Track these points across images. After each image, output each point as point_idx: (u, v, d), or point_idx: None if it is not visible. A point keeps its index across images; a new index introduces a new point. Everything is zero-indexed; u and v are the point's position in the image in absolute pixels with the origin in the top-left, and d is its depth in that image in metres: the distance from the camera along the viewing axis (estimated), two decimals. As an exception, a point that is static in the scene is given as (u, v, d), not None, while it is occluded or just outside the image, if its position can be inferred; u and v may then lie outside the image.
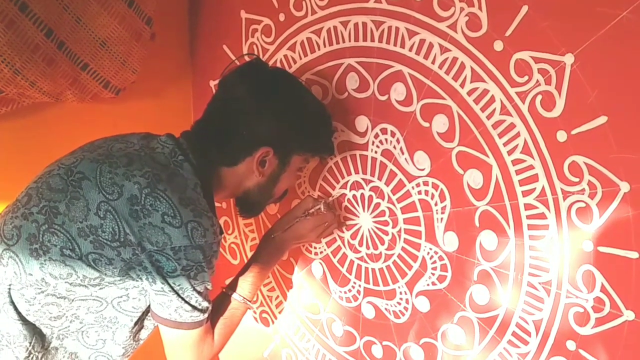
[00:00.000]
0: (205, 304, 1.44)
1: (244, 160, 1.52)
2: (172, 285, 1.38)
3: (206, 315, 1.46)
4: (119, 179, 1.37)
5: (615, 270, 1.24)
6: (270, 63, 1.83)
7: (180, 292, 1.39)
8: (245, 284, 1.65)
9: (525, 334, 1.39)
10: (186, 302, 1.40)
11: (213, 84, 2.07)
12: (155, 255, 1.35)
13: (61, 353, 1.48)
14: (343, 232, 1.75)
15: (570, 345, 1.32)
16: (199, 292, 1.41)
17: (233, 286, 1.65)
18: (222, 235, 1.51)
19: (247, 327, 2.10)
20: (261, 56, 1.86)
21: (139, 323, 1.52)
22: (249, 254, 2.01)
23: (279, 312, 2.01)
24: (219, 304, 1.60)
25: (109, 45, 1.77)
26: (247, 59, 1.68)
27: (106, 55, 1.78)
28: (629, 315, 1.22)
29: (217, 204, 2.05)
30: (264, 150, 1.51)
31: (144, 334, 1.56)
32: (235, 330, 1.62)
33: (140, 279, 1.40)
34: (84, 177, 1.39)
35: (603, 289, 1.26)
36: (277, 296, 2.00)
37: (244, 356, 2.17)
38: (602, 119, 1.20)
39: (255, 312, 2.09)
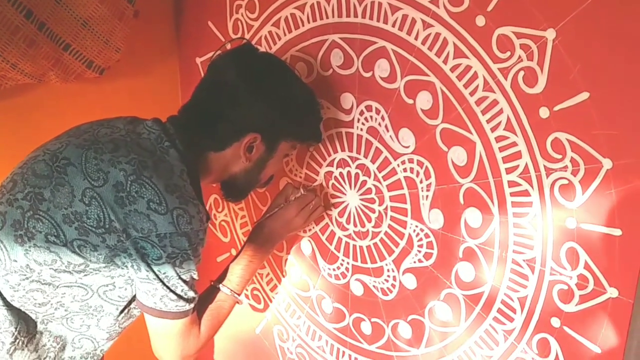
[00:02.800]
0: (191, 294, 1.43)
1: (232, 145, 1.51)
2: (157, 273, 1.37)
3: (192, 305, 1.45)
4: (105, 166, 1.35)
5: (598, 248, 1.23)
6: (255, 40, 1.80)
7: (165, 280, 1.38)
8: (233, 277, 1.64)
9: (511, 311, 1.39)
10: (171, 290, 1.39)
11: (199, 60, 2.05)
12: (140, 242, 1.34)
13: (46, 337, 1.48)
14: (331, 210, 1.74)
15: (555, 322, 1.32)
16: (184, 281, 1.40)
17: (222, 278, 1.64)
18: (209, 222, 1.50)
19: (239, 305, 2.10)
20: (246, 33, 1.84)
21: (125, 311, 1.52)
22: (240, 232, 2.02)
23: (270, 290, 2.01)
24: (206, 296, 1.59)
25: (90, 24, 1.74)
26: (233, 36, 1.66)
27: (88, 35, 1.76)
28: (612, 292, 1.22)
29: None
30: (252, 136, 1.49)
31: (129, 321, 1.56)
32: (223, 322, 1.61)
33: (126, 266, 1.39)
34: (69, 163, 1.37)
35: (587, 266, 1.25)
36: (268, 273, 2.00)
37: (236, 333, 2.18)
38: (584, 95, 1.19)
39: (247, 290, 2.09)
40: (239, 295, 1.63)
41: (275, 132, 1.53)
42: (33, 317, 1.46)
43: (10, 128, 1.85)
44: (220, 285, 1.62)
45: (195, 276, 1.43)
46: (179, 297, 1.41)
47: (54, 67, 1.75)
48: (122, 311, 1.50)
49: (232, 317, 2.10)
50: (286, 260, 1.93)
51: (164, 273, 1.38)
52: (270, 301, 2.02)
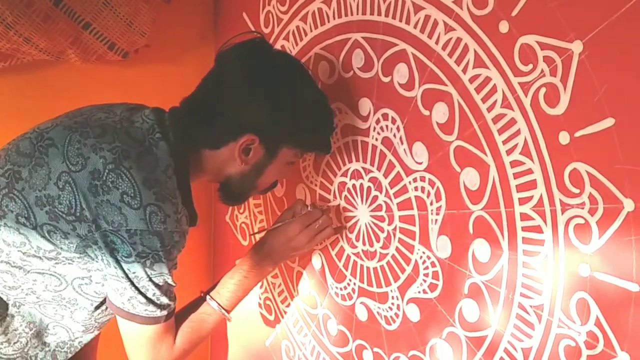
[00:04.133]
0: (164, 300, 1.32)
1: (227, 144, 1.38)
2: (127, 272, 1.27)
3: (165, 312, 1.34)
4: (86, 151, 1.26)
5: (612, 303, 1.05)
6: (284, 34, 1.69)
7: (135, 280, 1.28)
8: (223, 290, 1.50)
9: (514, 362, 1.21)
10: (141, 293, 1.29)
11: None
12: (110, 235, 1.24)
13: (18, 321, 1.40)
14: (342, 223, 1.60)
15: (559, 382, 1.13)
16: (156, 285, 1.29)
17: (212, 289, 1.52)
18: (193, 226, 1.40)
19: (253, 312, 1.99)
20: (276, 26, 1.72)
21: (103, 307, 1.42)
22: (257, 236, 1.89)
23: (281, 301, 1.88)
24: (192, 306, 1.48)
25: (112, 4, 1.67)
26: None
27: (110, 15, 1.68)
28: (623, 358, 1.03)
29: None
30: (248, 137, 1.37)
31: (108, 318, 1.46)
32: (204, 337, 1.48)
33: (97, 259, 1.30)
34: (53, 144, 1.29)
35: (597, 323, 1.07)
36: (280, 284, 1.88)
37: (248, 343, 2.07)
38: (609, 122, 1.01)
39: (260, 299, 1.97)
40: (227, 311, 1.50)
41: (275, 137, 1.40)
42: (4, 298, 1.38)
43: (28, 104, 1.78)
44: (208, 297, 1.49)
45: (170, 281, 1.32)
46: (149, 301, 1.30)
47: (73, 45, 1.68)
48: (98, 307, 1.40)
49: (245, 326, 2.01)
50: (297, 272, 1.79)
51: (134, 273, 1.27)
52: (281, 313, 1.89)
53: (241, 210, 2.01)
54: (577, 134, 1.05)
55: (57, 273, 1.33)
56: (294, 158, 1.48)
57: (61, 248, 1.28)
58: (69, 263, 1.31)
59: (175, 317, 1.40)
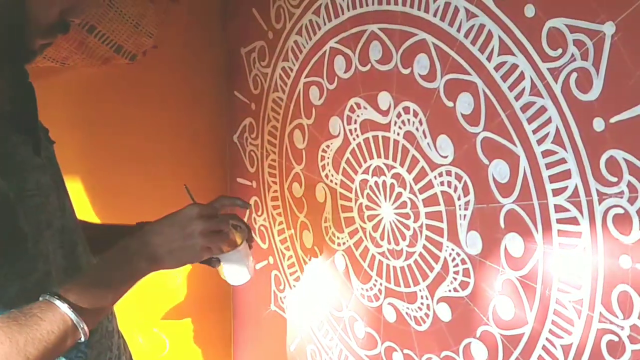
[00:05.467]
0: None
1: None
2: None
3: None
4: None
5: (657, 295, 0.99)
6: (296, 29, 1.65)
7: None
8: (79, 283, 1.05)
9: (553, 360, 1.16)
10: None
11: (244, 51, 1.89)
12: None
13: None
14: (365, 222, 1.54)
15: (603, 379, 1.08)
16: None
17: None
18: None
19: (276, 317, 1.94)
20: (287, 21, 1.67)
21: None
22: (277, 239, 1.85)
23: (304, 305, 1.83)
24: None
25: (117, 6, 1.61)
26: None
27: (116, 17, 1.63)
28: (671, 351, 0.97)
29: (245, 182, 1.90)
30: None
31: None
32: (38, 344, 0.96)
33: None
34: None
35: (642, 316, 1.01)
36: (303, 286, 1.83)
37: (270, 347, 2.02)
38: (647, 106, 0.95)
39: (281, 301, 1.92)
40: (74, 311, 0.99)
41: None
42: None
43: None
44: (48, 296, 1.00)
45: None
46: None
47: (78, 50, 1.63)
48: None
49: (269, 330, 1.96)
50: (320, 274, 1.74)
51: None
52: (305, 317, 1.84)
53: (259, 213, 1.96)
54: (613, 120, 1.00)
55: None
56: None
57: None
58: None
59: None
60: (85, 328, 1.00)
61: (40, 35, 1.06)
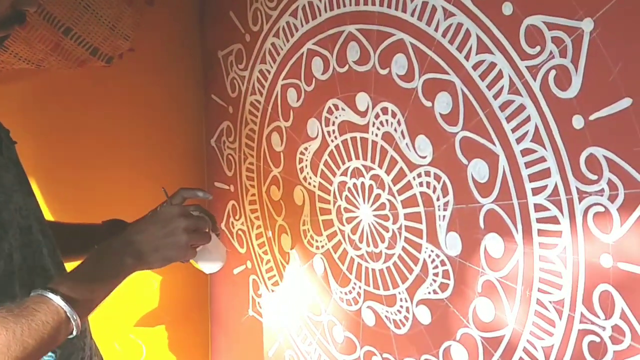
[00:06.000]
0: None
1: None
2: None
3: None
4: None
5: (638, 294, 0.98)
6: (273, 31, 1.63)
7: None
8: (68, 278, 1.10)
9: (534, 362, 1.15)
10: None
11: (221, 54, 1.87)
12: None
13: None
14: (343, 224, 1.52)
15: (584, 381, 1.07)
16: None
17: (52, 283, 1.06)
18: None
19: (254, 322, 1.91)
20: (264, 23, 1.65)
21: None
22: (255, 243, 1.83)
23: (283, 310, 1.81)
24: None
25: (94, 8, 1.59)
26: None
27: (92, 20, 1.60)
28: (653, 351, 0.96)
29: (223, 186, 1.88)
30: None
31: None
32: (35, 334, 0.98)
33: None
34: None
35: (623, 316, 1.00)
36: (281, 290, 1.80)
37: (248, 353, 1.99)
38: (626, 102, 0.95)
39: (258, 306, 1.90)
40: (68, 304, 1.02)
41: None
42: None
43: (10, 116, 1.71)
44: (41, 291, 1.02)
45: None
46: None
47: (54, 52, 1.60)
48: None
49: (247, 335, 1.94)
50: (299, 278, 1.72)
51: None
52: (283, 322, 1.82)
53: (237, 217, 1.94)
54: (592, 117, 0.99)
55: None
56: None
57: None
58: None
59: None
60: (78, 320, 1.02)
61: None
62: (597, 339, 1.04)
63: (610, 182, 0.98)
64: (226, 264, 1.83)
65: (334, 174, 1.54)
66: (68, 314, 1.02)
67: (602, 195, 1.00)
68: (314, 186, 1.60)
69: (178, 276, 1.91)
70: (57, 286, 1.03)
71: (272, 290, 1.83)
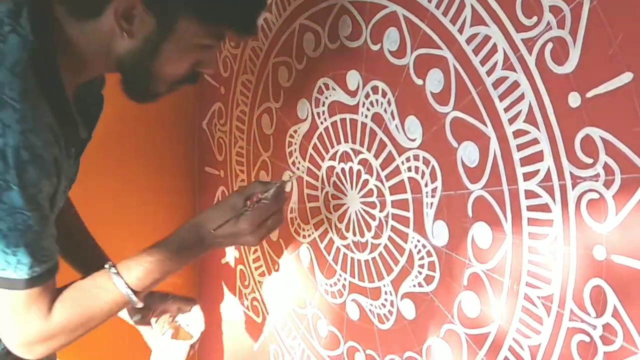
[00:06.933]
0: (25, 259, 1.02)
1: (103, 11, 1.04)
2: None
3: (24, 275, 1.04)
4: None
5: (632, 290, 0.90)
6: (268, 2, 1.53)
7: None
8: (136, 268, 1.18)
9: (520, 362, 1.06)
10: None
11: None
12: None
13: None
14: (330, 212, 1.44)
15: (572, 384, 0.98)
16: (11, 233, 1.00)
17: (122, 265, 1.19)
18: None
19: (240, 315, 1.83)
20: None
21: None
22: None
23: (269, 302, 1.73)
24: (92, 279, 1.17)
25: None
26: None
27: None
28: (646, 354, 0.87)
29: (214, 171, 1.80)
30: None
31: None
32: (96, 317, 1.15)
33: None
34: None
35: (616, 314, 0.92)
36: (267, 282, 1.72)
37: (234, 347, 1.91)
38: (627, 77, 0.86)
39: (247, 299, 1.81)
40: (136, 293, 1.17)
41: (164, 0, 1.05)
42: None
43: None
44: (112, 270, 1.16)
45: (34, 223, 1.02)
46: None
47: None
48: None
49: (233, 328, 1.86)
50: (285, 268, 1.64)
51: None
52: (269, 315, 1.74)
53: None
54: (590, 94, 0.91)
55: None
56: (206, 39, 1.11)
57: None
58: None
59: (65, 287, 1.14)
60: (137, 302, 1.18)
61: (168, 85, 1.15)
62: (587, 339, 0.96)
63: (606, 166, 0.90)
64: (214, 254, 1.77)
65: (323, 159, 1.45)
66: (131, 298, 1.16)
67: (597, 181, 0.91)
68: (303, 172, 1.52)
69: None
70: (129, 276, 1.16)
71: (259, 282, 1.75)
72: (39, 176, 1.00)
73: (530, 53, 0.98)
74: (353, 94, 1.34)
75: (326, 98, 1.40)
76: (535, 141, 0.99)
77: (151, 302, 1.40)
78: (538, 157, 0.99)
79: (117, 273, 1.16)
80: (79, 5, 1.06)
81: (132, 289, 1.16)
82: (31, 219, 1.00)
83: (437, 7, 1.12)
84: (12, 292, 1.05)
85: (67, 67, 1.06)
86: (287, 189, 1.32)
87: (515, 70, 1.01)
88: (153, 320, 1.44)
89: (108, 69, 1.16)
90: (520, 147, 1.02)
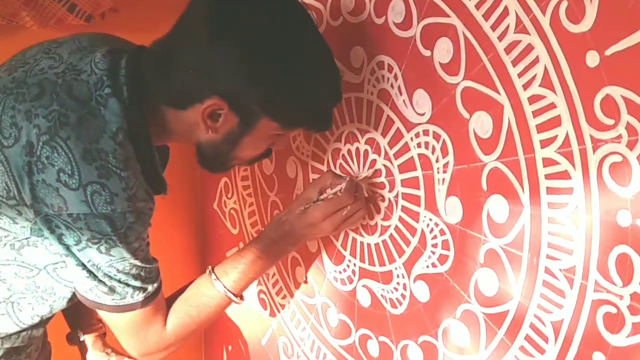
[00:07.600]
0: (136, 284, 1.13)
1: (193, 106, 1.10)
2: (81, 259, 1.08)
3: (140, 298, 1.15)
4: (20, 119, 1.04)
5: (661, 256, 0.84)
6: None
7: (93, 269, 1.09)
8: (233, 271, 1.29)
9: (542, 339, 1.02)
10: (102, 282, 1.11)
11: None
12: (53, 220, 1.04)
13: None
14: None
15: (598, 358, 0.93)
16: (121, 271, 1.10)
17: (220, 270, 1.30)
18: (159, 195, 1.17)
19: (247, 309, 1.79)
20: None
21: None
22: (247, 222, 1.71)
23: (276, 293, 1.68)
24: (194, 286, 1.31)
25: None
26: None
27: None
28: (677, 322, 0.82)
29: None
30: (214, 101, 1.08)
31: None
32: (205, 323, 1.30)
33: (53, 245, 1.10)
34: None
35: (644, 282, 0.86)
36: (274, 274, 1.68)
37: (243, 343, 1.87)
38: (649, 31, 0.81)
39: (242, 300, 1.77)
40: (235, 295, 1.29)
41: (248, 105, 1.10)
42: None
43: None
44: (213, 277, 1.28)
45: (140, 262, 1.12)
46: (112, 290, 1.12)
47: (26, 6, 1.50)
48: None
49: (240, 323, 1.81)
50: (292, 258, 1.60)
51: (89, 260, 1.08)
52: (277, 307, 1.69)
53: (229, 195, 1.82)
54: (608, 52, 0.86)
55: (25, 262, 1.14)
56: (281, 131, 1.17)
57: (16, 233, 1.09)
58: (34, 247, 1.12)
59: (171, 298, 1.27)
60: (239, 301, 1.31)
61: (243, 163, 1.28)
62: (614, 310, 0.91)
63: (629, 126, 0.85)
64: (220, 247, 1.73)
65: (328, 141, 1.41)
66: (232, 299, 1.29)
67: (619, 143, 0.87)
68: (307, 156, 1.48)
69: (171, 255, 1.79)
70: (227, 281, 1.28)
71: (265, 274, 1.70)
72: (142, 231, 1.10)
73: (544, 13, 0.94)
74: (357, 71, 1.30)
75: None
76: (551, 105, 0.95)
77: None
78: (555, 122, 0.95)
79: (217, 279, 1.28)
80: (169, 97, 1.13)
81: (231, 292, 1.28)
82: (137, 261, 1.11)
83: (444, -27, 1.08)
84: (131, 313, 1.17)
85: (154, 133, 1.13)
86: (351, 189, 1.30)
87: (528, 33, 0.96)
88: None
89: (187, 143, 1.22)
90: (536, 113, 0.97)
